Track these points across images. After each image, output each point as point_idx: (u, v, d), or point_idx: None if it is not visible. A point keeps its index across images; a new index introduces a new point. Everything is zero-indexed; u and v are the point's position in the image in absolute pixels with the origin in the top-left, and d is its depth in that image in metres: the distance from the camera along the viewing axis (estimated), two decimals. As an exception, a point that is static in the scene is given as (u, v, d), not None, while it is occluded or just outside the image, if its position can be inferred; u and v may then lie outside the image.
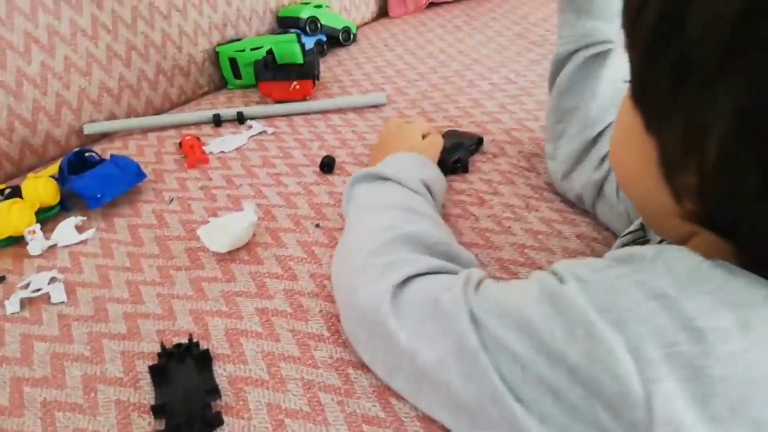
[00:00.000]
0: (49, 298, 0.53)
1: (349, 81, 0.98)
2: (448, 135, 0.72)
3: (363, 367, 0.45)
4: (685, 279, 0.30)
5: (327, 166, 0.70)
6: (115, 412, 0.43)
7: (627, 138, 0.36)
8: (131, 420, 0.42)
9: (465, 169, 0.69)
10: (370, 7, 1.27)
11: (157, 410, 0.41)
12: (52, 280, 0.54)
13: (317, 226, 0.61)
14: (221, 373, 0.45)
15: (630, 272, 0.32)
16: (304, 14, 1.04)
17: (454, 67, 0.99)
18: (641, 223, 0.49)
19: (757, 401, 0.28)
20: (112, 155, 0.69)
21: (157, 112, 0.93)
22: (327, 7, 1.10)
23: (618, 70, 0.59)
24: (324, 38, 1.08)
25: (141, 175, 0.68)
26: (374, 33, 1.19)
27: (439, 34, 1.14)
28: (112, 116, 0.88)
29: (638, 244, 0.48)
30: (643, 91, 0.33)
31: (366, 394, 0.43)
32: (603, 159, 0.58)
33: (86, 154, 0.69)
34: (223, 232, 0.57)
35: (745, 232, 0.31)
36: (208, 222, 0.60)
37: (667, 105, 0.30)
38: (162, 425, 0.41)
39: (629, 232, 0.50)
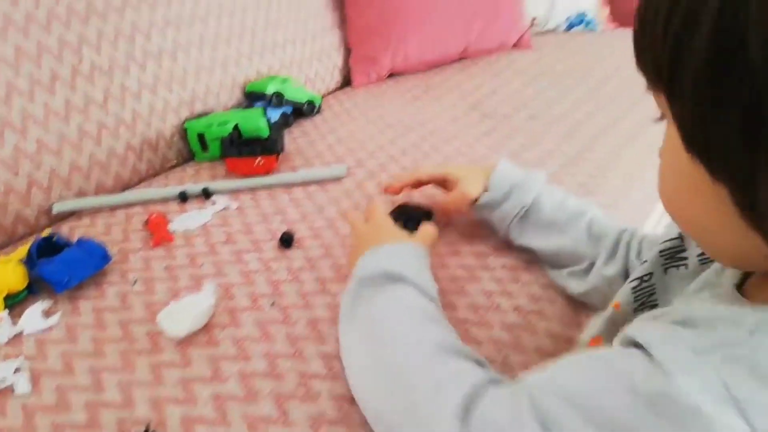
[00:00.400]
0: (13, 389, 0.55)
1: (312, 152, 1.03)
2: (399, 208, 0.77)
3: (309, 450, 0.48)
4: None
5: (286, 242, 0.75)
6: (72, 502, 0.45)
7: (688, 188, 0.34)
8: None
9: None
10: (335, 77, 1.34)
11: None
12: (17, 369, 0.57)
13: (272, 304, 0.65)
14: (175, 460, 0.48)
15: (732, 354, 0.30)
16: (270, 89, 1.11)
17: (411, 138, 1.05)
18: (680, 233, 0.49)
19: None
20: (79, 240, 0.73)
21: (126, 187, 0.97)
22: (292, 80, 1.16)
23: (549, 199, 0.68)
24: (289, 110, 1.14)
25: (106, 258, 0.71)
26: (338, 102, 1.26)
27: (399, 105, 1.21)
28: (81, 193, 0.91)
29: (677, 251, 0.49)
30: (705, 136, 0.30)
31: (310, 477, 0.46)
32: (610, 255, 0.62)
33: (53, 238, 0.72)
34: (182, 316, 0.61)
35: None
36: (168, 306, 0.63)
37: (742, 146, 0.28)
38: None
39: (668, 240, 0.50)
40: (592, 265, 0.64)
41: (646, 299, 0.51)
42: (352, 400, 0.52)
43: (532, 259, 0.70)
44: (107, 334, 0.62)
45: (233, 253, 0.75)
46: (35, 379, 0.57)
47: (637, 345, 0.33)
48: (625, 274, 0.60)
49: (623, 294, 0.51)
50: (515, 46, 1.48)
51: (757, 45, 0.26)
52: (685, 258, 0.48)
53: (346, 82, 1.37)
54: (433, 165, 0.75)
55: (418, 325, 0.49)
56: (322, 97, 1.27)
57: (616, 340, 0.36)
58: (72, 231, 0.82)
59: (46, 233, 0.73)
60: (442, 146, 1.01)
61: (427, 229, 0.65)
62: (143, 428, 0.49)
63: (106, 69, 0.93)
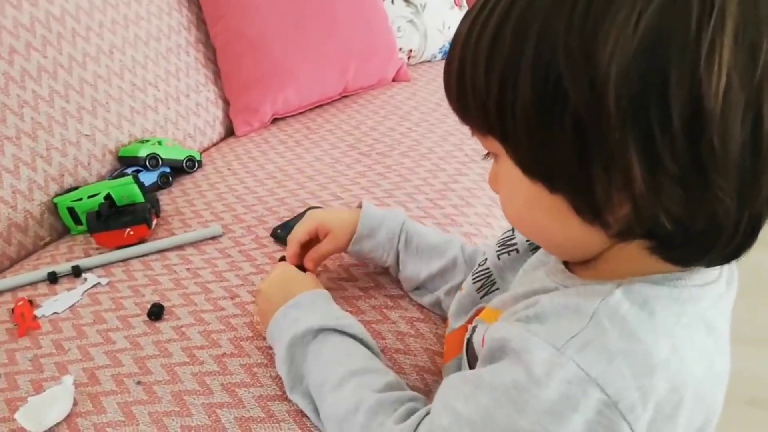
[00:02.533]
0: None
1: (190, 212, 1.04)
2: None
3: None
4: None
5: (155, 315, 0.75)
6: None
7: (530, 205, 0.42)
8: None
9: None
10: (217, 129, 1.35)
11: None
12: None
13: (138, 383, 0.65)
14: None
15: (582, 341, 0.38)
16: (143, 152, 1.10)
17: (290, 186, 1.08)
18: (512, 230, 0.60)
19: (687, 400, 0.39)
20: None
21: (-5, 274, 0.94)
22: (167, 141, 1.17)
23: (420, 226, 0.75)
24: (168, 170, 1.15)
25: (-36, 357, 0.70)
26: (220, 155, 1.27)
27: (280, 152, 1.24)
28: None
29: (508, 239, 0.60)
30: (544, 164, 0.38)
31: None
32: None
33: None
34: (41, 410, 0.60)
35: (667, 227, 0.36)
36: (27, 402, 0.62)
37: (577, 165, 0.36)
38: None
39: (504, 233, 0.61)
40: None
41: (486, 281, 0.61)
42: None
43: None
44: (-35, 438, 0.61)
45: (101, 333, 0.74)
46: None
47: (504, 347, 0.41)
48: None
49: (466, 280, 0.62)
50: (395, 79, 1.55)
51: (576, 91, 0.34)
52: (515, 244, 0.59)
53: (230, 132, 1.39)
54: (304, 223, 0.76)
55: (350, 392, 0.54)
56: (203, 151, 1.28)
57: (487, 340, 0.44)
58: (-71, 331, 0.79)
59: None
60: (319, 192, 1.04)
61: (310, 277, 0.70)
62: None
63: (-39, 155, 0.91)
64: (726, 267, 0.43)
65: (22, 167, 0.98)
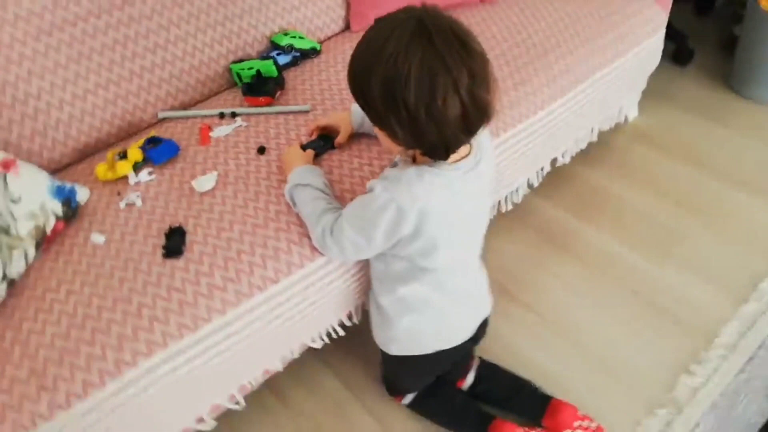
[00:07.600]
0: (135, 204, 1.38)
1: (309, 89, 1.70)
2: (315, 137, 1.49)
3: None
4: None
5: (261, 150, 1.48)
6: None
7: (386, 142, 1.05)
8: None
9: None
10: (338, 23, 1.94)
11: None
12: (138, 196, 1.39)
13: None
14: (189, 239, 1.29)
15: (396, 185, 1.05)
16: (284, 42, 1.76)
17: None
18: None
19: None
20: (165, 140, 1.51)
21: (197, 102, 1.72)
22: (300, 35, 1.81)
23: None
24: (298, 54, 1.80)
25: (178, 149, 1.50)
26: (338, 45, 1.87)
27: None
28: (173, 108, 1.69)
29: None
30: (385, 124, 0.99)
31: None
32: None
33: (154, 137, 1.51)
34: (203, 183, 1.39)
35: (420, 143, 0.99)
36: (197, 177, 1.41)
37: (397, 124, 0.96)
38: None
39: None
40: None
41: None
42: (258, 228, 1.29)
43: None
44: (175, 185, 1.42)
45: (236, 154, 1.49)
46: (145, 201, 1.39)
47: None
48: None
49: None
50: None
51: (408, 90, 0.92)
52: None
53: (348, 26, 1.96)
54: (327, 119, 1.48)
55: (313, 208, 1.23)
56: (322, 43, 1.89)
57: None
58: (165, 131, 1.60)
59: (152, 134, 1.53)
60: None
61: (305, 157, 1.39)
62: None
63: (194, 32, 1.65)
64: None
65: (216, 44, 1.70)
